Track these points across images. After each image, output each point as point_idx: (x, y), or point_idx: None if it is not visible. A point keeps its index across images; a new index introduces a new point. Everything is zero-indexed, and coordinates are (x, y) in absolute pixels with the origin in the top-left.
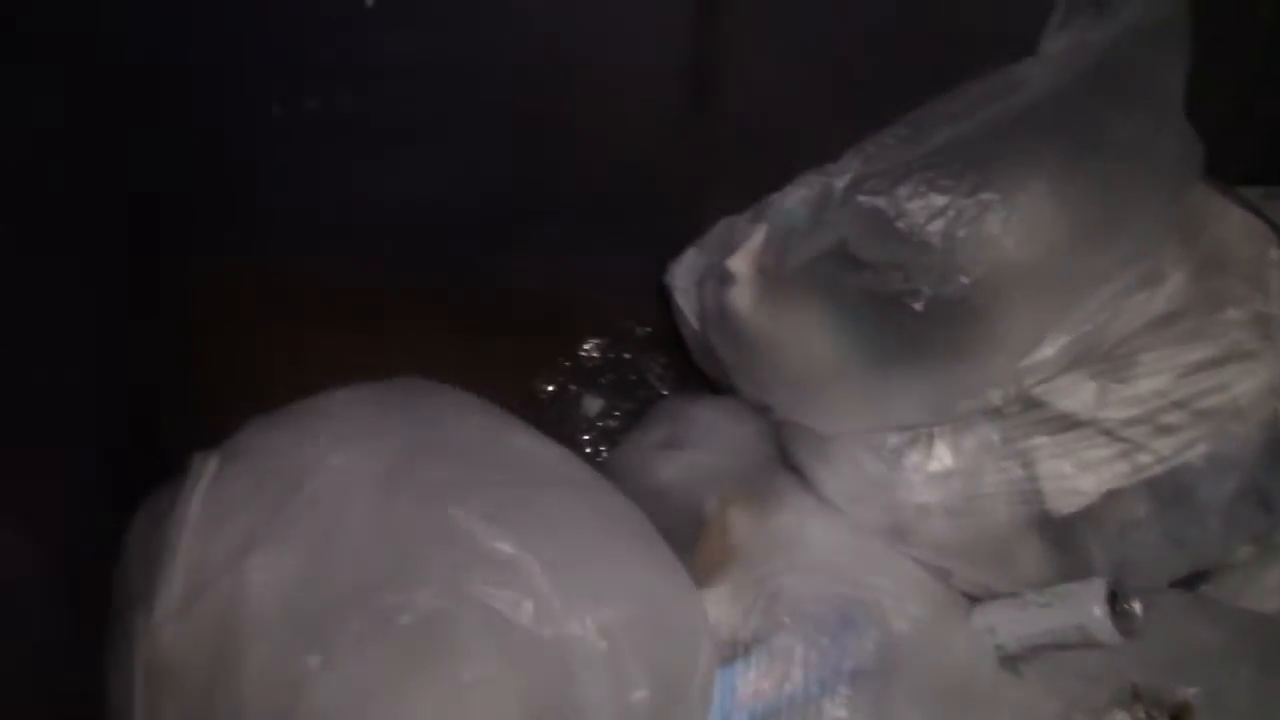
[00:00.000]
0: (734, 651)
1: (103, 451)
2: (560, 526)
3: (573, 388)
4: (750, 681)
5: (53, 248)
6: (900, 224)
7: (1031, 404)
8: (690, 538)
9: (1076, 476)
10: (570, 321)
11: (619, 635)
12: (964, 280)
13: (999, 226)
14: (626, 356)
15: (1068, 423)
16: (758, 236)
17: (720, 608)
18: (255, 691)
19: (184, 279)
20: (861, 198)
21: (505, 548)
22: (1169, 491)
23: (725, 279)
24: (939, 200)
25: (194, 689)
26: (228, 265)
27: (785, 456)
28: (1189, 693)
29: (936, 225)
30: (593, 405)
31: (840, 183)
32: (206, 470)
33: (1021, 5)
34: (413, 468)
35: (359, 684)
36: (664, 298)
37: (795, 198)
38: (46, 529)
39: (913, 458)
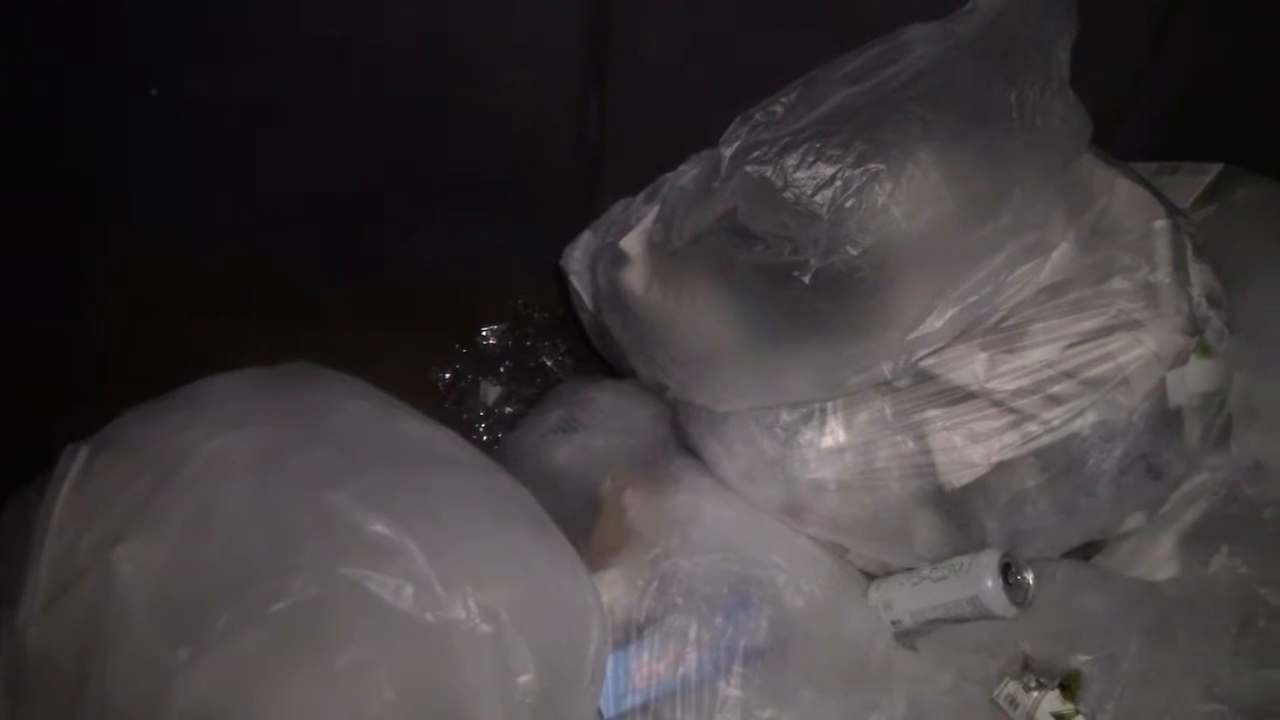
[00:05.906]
0: (628, 634)
1: None
2: (444, 509)
3: (470, 375)
4: (644, 664)
5: None
6: (787, 194)
7: (923, 376)
8: (586, 521)
9: (968, 448)
10: (467, 307)
11: (504, 618)
12: (851, 251)
13: (886, 197)
14: (526, 343)
15: (959, 395)
16: (650, 215)
17: (614, 590)
18: (122, 688)
19: (74, 271)
20: (749, 167)
21: (384, 531)
22: (1058, 461)
23: (618, 258)
24: (826, 170)
25: (61, 688)
26: (120, 259)
27: (681, 438)
28: (1079, 661)
29: (823, 195)
30: (490, 392)
31: (728, 152)
32: (76, 461)
33: None
34: (291, 452)
35: (229, 675)
36: (563, 282)
37: (687, 175)
38: None
39: (806, 434)
